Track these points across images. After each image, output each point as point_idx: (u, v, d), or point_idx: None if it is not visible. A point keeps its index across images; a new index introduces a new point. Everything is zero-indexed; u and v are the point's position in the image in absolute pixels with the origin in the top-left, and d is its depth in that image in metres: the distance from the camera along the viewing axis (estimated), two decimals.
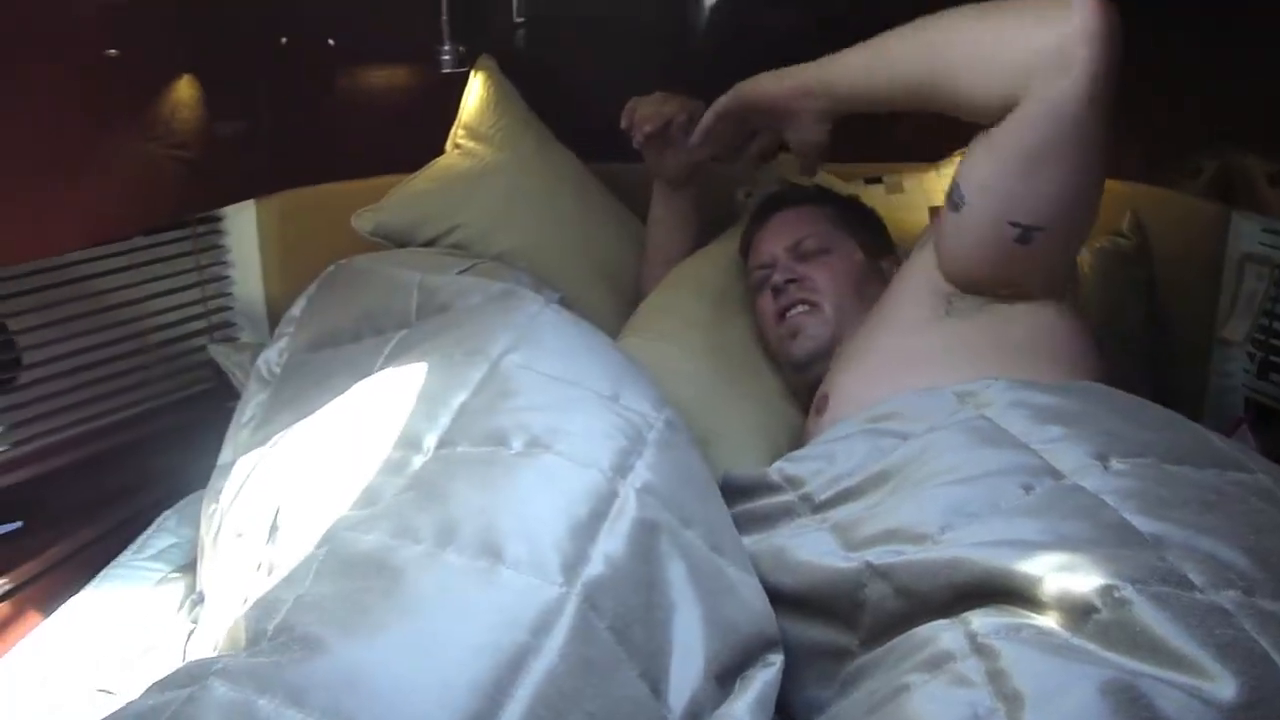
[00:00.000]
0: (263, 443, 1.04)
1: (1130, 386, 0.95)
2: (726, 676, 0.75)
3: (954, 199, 1.06)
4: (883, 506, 0.82)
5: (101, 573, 1.15)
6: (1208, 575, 0.62)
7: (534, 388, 0.94)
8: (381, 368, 1.05)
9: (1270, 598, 0.62)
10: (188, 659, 0.92)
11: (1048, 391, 0.87)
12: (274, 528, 0.87)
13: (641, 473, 0.86)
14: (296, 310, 1.33)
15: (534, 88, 1.68)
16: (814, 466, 0.94)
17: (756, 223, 1.41)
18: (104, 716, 0.61)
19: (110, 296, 1.46)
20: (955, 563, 0.68)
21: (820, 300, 1.27)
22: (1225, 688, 0.53)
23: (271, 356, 1.25)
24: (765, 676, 0.76)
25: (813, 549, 0.83)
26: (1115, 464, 0.75)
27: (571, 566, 0.73)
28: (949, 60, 1.01)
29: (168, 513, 1.27)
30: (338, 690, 0.60)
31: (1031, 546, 0.66)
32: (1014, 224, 1.01)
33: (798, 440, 1.26)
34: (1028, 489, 0.74)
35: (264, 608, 0.70)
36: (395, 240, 1.55)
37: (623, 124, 1.41)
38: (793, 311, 1.28)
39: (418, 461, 0.86)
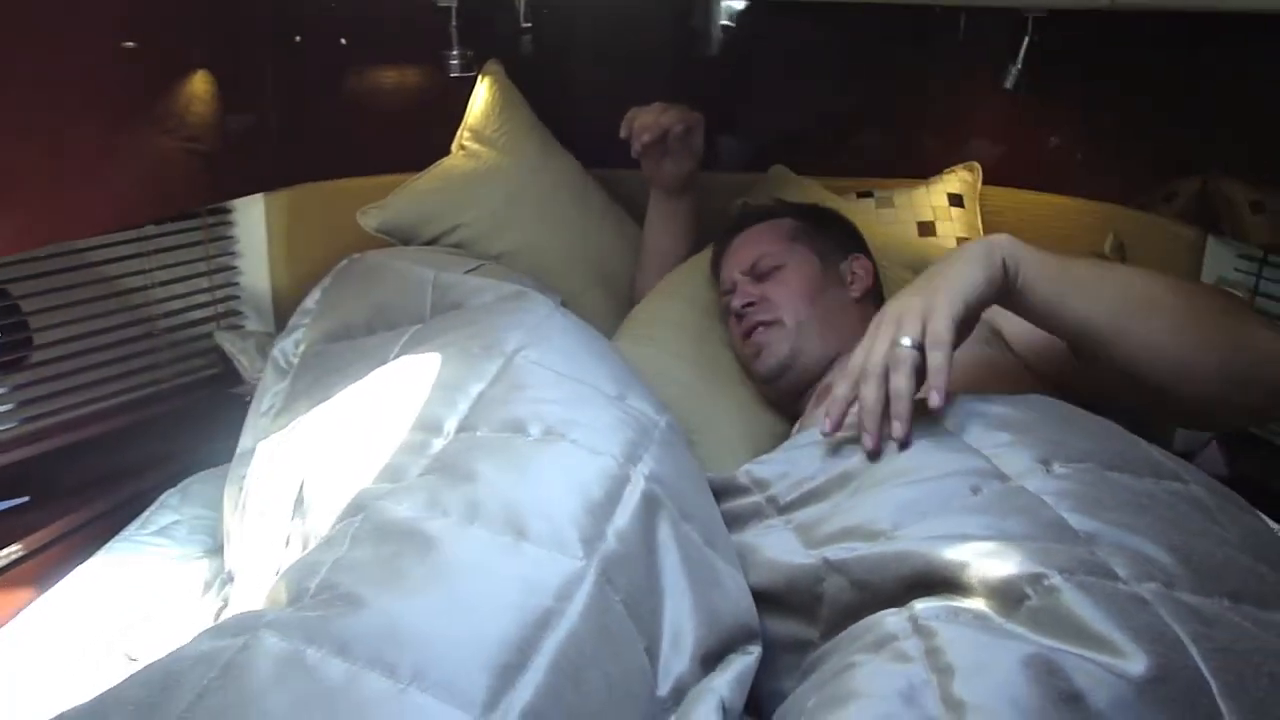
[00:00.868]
0: (282, 429, 1.08)
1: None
2: (710, 660, 0.80)
3: None
4: (843, 507, 0.87)
5: (105, 546, 1.20)
6: (1132, 569, 0.67)
7: (546, 383, 1.00)
8: (396, 358, 1.09)
9: (1189, 591, 0.67)
10: None
11: (1001, 403, 0.92)
12: (299, 502, 0.92)
13: (649, 462, 0.91)
14: (311, 302, 1.37)
15: (539, 93, 1.73)
16: (779, 469, 0.98)
17: (719, 247, 1.46)
18: (161, 656, 0.64)
19: (121, 282, 1.51)
20: (903, 555, 0.74)
21: (780, 316, 1.30)
22: (1136, 664, 0.58)
23: (288, 347, 1.29)
24: (745, 662, 0.81)
25: (777, 547, 0.88)
26: (1057, 468, 0.80)
27: (589, 542, 0.78)
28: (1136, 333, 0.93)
29: (171, 491, 1.32)
30: (380, 642, 0.65)
31: (973, 540, 0.71)
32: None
33: (779, 445, 1.30)
34: (975, 490, 0.79)
35: (303, 569, 0.75)
36: (398, 237, 1.59)
37: (622, 133, 1.46)
38: (755, 332, 1.32)
39: (438, 444, 0.91)
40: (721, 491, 1.02)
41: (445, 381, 0.99)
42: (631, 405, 1.02)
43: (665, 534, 0.85)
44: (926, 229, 1.73)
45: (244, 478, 1.07)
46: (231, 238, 1.65)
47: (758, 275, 1.35)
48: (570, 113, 1.75)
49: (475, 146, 1.65)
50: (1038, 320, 0.96)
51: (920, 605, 0.69)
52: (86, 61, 1.26)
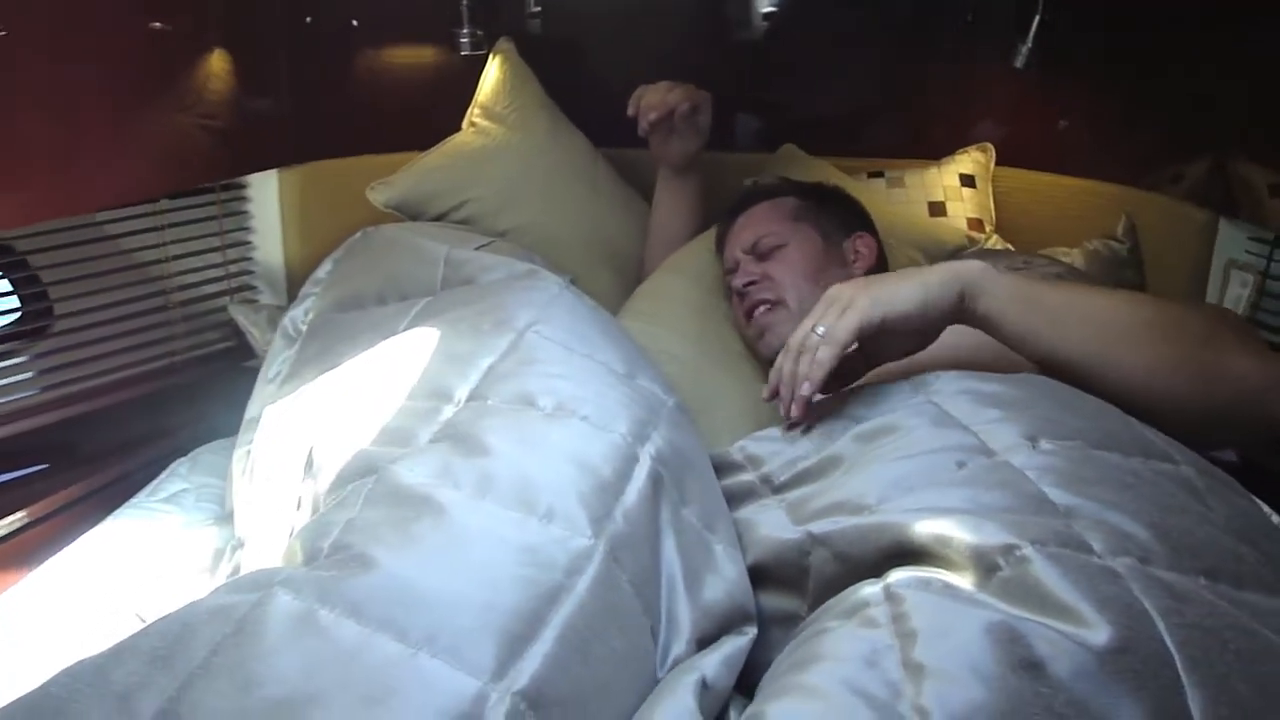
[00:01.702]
0: (290, 394, 1.09)
1: None
2: (705, 643, 0.81)
3: None
4: (833, 484, 0.88)
5: (115, 511, 1.23)
6: (1108, 543, 0.68)
7: (557, 358, 1.00)
8: (407, 329, 1.10)
9: (1164, 568, 0.67)
10: None
11: (992, 380, 0.92)
12: (309, 464, 0.93)
13: (656, 441, 0.92)
14: (322, 273, 1.38)
15: (550, 72, 1.74)
16: (773, 447, 0.99)
17: (722, 227, 1.46)
18: (178, 607, 0.65)
19: (138, 255, 1.54)
20: (882, 527, 0.74)
21: (782, 295, 1.31)
22: (1100, 634, 0.59)
23: (297, 315, 1.30)
24: (738, 643, 0.82)
25: (769, 524, 0.89)
26: (1044, 444, 0.80)
27: (598, 521, 0.79)
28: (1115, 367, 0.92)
29: (180, 459, 1.35)
30: (392, 604, 0.65)
31: (952, 513, 0.72)
32: None
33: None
34: (961, 465, 0.80)
35: (316, 529, 0.76)
36: (408, 213, 1.61)
37: (629, 111, 1.47)
38: (757, 312, 1.33)
39: (449, 411, 0.92)
40: (718, 469, 1.03)
41: (456, 353, 1.00)
42: (641, 384, 1.03)
43: (666, 516, 0.86)
44: (937, 209, 1.73)
45: (251, 444, 1.09)
46: (246, 213, 1.68)
47: (760, 254, 1.36)
48: (581, 91, 1.75)
49: (485, 124, 1.66)
50: (1011, 347, 0.96)
51: (895, 575, 0.70)
52: (104, 39, 1.28)
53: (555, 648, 0.67)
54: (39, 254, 1.41)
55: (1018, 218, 1.77)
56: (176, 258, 1.57)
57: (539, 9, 1.76)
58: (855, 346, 0.95)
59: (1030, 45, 1.61)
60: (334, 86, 1.70)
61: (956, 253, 1.66)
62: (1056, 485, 0.74)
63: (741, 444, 1.04)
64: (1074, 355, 0.92)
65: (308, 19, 1.62)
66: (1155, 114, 1.61)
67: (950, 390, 0.92)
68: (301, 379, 1.11)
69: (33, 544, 1.20)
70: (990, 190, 1.77)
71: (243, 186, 1.67)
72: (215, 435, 1.41)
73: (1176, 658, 0.59)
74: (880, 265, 1.40)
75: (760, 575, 0.88)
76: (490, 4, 1.70)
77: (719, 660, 0.78)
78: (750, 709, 0.63)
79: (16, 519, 1.22)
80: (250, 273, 1.70)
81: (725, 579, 0.85)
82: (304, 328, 1.28)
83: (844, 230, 1.40)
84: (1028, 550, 0.66)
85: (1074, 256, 1.62)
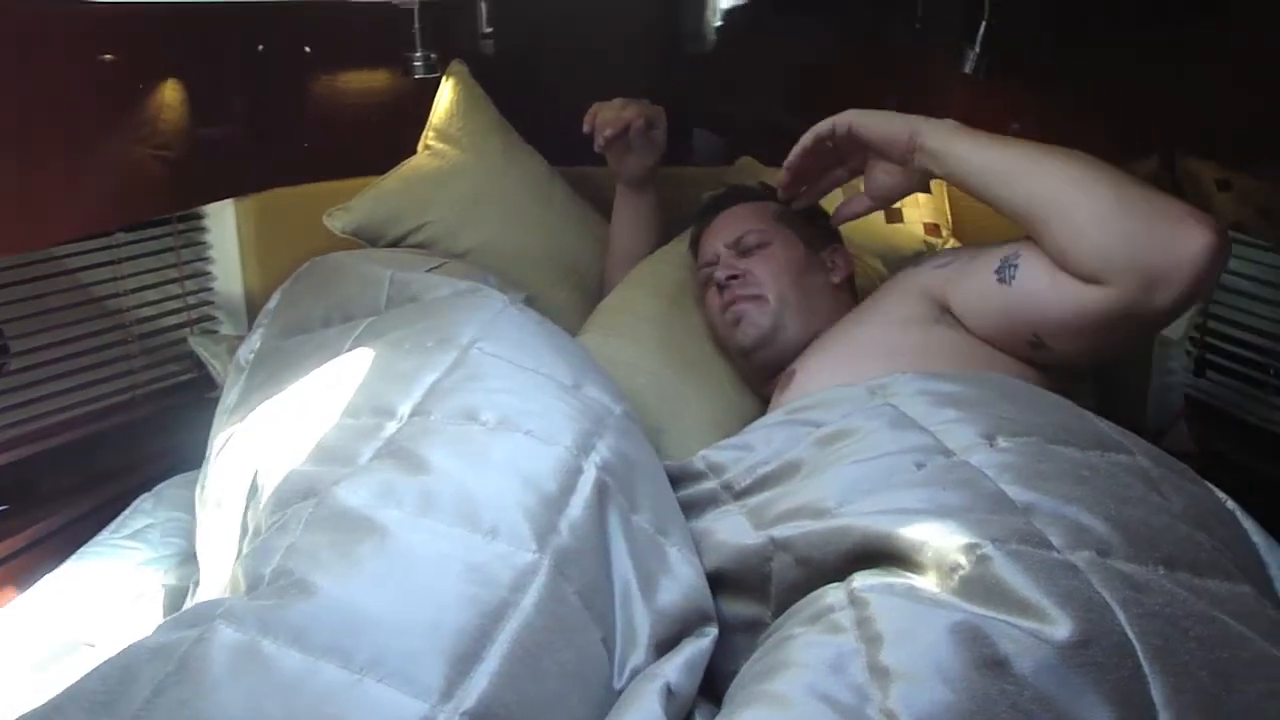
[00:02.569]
0: (239, 422, 1.08)
1: (1075, 383, 1.00)
2: (664, 647, 0.82)
3: (1005, 273, 1.08)
4: (793, 489, 0.89)
5: (80, 550, 1.21)
6: (1066, 538, 0.69)
7: (501, 373, 1.00)
8: (350, 349, 1.10)
9: (1123, 559, 0.68)
10: None
11: (949, 380, 0.94)
12: (253, 489, 0.92)
13: (602, 451, 0.92)
14: (271, 304, 1.38)
15: (505, 92, 1.74)
16: (734, 455, 1.00)
17: (702, 221, 1.46)
18: (119, 651, 0.65)
19: (95, 289, 1.52)
20: (843, 530, 0.75)
21: (763, 292, 1.31)
22: (1061, 629, 0.60)
23: (250, 346, 1.29)
24: (699, 645, 0.82)
25: (730, 530, 0.90)
26: (1001, 442, 0.82)
27: (542, 535, 0.79)
28: (1065, 208, 1.00)
29: (145, 495, 1.32)
30: (336, 631, 0.65)
31: (912, 514, 0.73)
32: (1035, 339, 1.06)
33: None
34: (920, 466, 0.81)
35: (258, 555, 0.75)
36: (365, 237, 1.60)
37: (584, 128, 1.47)
38: (736, 303, 1.33)
39: (392, 427, 0.91)
40: (679, 478, 1.03)
41: (400, 371, 1.00)
42: (587, 394, 1.03)
43: (615, 524, 0.86)
44: (894, 215, 1.74)
45: (206, 477, 1.08)
46: (204, 243, 1.66)
47: (742, 250, 1.36)
48: (536, 111, 1.75)
49: (440, 146, 1.66)
50: (968, 191, 1.10)
51: (859, 579, 0.71)
52: (54, 71, 1.27)
53: (503, 665, 0.67)
54: None
55: (975, 220, 1.79)
56: (135, 290, 1.56)
57: (491, 30, 1.77)
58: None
59: (978, 50, 1.63)
60: (288, 114, 1.69)
61: (914, 258, 1.68)
62: (1015, 482, 0.76)
63: (703, 453, 1.05)
64: (1025, 210, 1.03)
65: (260, 47, 1.61)
66: (1104, 114, 1.63)
67: (907, 392, 0.93)
68: (250, 406, 1.11)
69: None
70: (946, 194, 1.79)
71: (200, 217, 1.65)
72: (180, 469, 1.39)
73: (1138, 648, 0.60)
74: (852, 279, 1.42)
75: (723, 581, 0.88)
76: (442, 27, 1.70)
77: (681, 665, 0.78)
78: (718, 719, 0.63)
79: None
80: (210, 303, 1.69)
81: (681, 581, 0.86)
82: (253, 358, 1.27)
83: (821, 239, 1.41)
84: (989, 549, 0.67)
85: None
